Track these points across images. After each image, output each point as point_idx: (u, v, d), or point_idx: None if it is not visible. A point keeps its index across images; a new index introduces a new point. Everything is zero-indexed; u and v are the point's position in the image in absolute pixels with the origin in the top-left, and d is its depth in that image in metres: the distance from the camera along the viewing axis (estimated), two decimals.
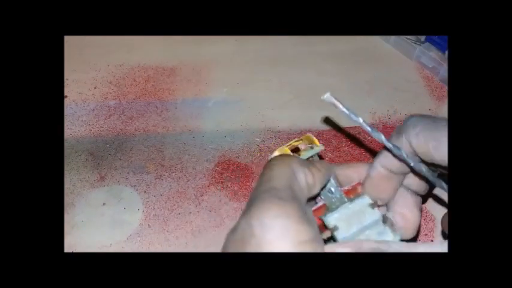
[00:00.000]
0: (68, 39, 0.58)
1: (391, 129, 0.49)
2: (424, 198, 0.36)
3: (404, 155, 0.26)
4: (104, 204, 0.42)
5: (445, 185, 0.27)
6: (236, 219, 0.25)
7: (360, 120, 0.27)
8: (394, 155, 0.27)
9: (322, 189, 0.29)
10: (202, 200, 0.43)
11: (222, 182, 0.44)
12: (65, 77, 0.55)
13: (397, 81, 0.56)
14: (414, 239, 0.30)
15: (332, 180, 0.30)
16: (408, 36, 0.58)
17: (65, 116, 0.50)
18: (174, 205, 0.42)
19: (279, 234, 0.20)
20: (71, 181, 0.44)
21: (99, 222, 0.41)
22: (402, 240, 0.28)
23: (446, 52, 0.55)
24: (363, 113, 0.51)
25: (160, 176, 0.45)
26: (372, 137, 0.48)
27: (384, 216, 0.28)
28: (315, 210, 0.28)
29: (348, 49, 0.60)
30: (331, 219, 0.28)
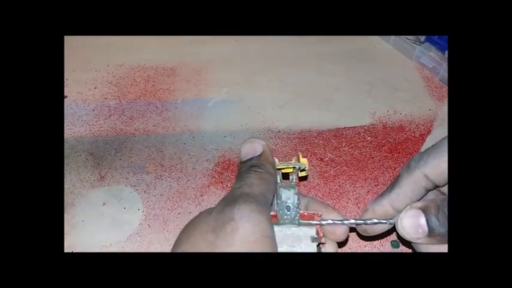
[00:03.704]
0: (68, 39, 0.58)
1: (391, 130, 0.49)
2: None
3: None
4: (104, 204, 0.42)
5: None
6: None
7: (350, 221, 0.30)
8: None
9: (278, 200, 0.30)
10: (202, 200, 0.43)
11: (222, 182, 0.44)
12: (65, 77, 0.55)
13: (397, 81, 0.55)
14: None
15: (295, 199, 0.30)
16: (408, 36, 0.58)
17: (65, 116, 0.50)
18: (174, 205, 0.42)
19: (251, 224, 0.25)
20: (71, 181, 0.44)
21: (99, 222, 0.41)
22: None
23: (446, 52, 0.55)
24: (362, 113, 0.51)
25: (160, 176, 0.45)
26: (371, 137, 0.48)
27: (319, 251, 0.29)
28: None
29: (348, 49, 0.60)
30: None
